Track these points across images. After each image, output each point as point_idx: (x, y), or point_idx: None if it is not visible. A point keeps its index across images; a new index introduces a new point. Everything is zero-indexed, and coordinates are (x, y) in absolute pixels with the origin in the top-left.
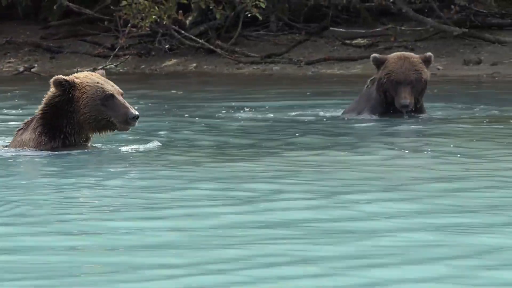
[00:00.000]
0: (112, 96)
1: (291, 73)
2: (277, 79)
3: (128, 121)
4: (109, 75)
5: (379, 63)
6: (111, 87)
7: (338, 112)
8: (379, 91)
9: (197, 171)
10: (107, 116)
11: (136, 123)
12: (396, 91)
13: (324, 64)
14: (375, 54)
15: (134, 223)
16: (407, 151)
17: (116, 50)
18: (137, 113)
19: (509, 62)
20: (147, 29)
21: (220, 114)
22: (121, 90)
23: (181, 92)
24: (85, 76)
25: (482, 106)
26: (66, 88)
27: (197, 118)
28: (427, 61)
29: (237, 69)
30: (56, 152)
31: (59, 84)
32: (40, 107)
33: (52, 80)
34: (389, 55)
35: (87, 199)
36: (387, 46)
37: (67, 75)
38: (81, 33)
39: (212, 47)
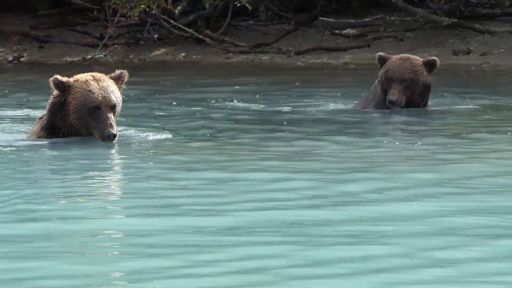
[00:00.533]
0: (97, 108)
1: (280, 63)
2: (266, 68)
3: (104, 137)
4: (98, 64)
5: (382, 62)
6: (101, 98)
7: (330, 102)
8: (382, 90)
9: (188, 162)
10: (91, 126)
11: (114, 141)
12: (389, 88)
13: (313, 54)
14: (380, 53)
15: (125, 220)
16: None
17: (105, 39)
18: (114, 132)
19: (498, 52)
20: (136, 18)
21: (209, 103)
22: (113, 102)
23: (169, 82)
24: (83, 81)
25: (472, 96)
26: (62, 89)
27: (186, 108)
28: (429, 65)
29: (226, 59)
30: (47, 142)
31: (55, 84)
32: (49, 101)
33: (50, 79)
34: (393, 55)
35: (76, 195)
36: (376, 36)
37: (56, 64)
38: (70, 23)
39: (201, 36)
